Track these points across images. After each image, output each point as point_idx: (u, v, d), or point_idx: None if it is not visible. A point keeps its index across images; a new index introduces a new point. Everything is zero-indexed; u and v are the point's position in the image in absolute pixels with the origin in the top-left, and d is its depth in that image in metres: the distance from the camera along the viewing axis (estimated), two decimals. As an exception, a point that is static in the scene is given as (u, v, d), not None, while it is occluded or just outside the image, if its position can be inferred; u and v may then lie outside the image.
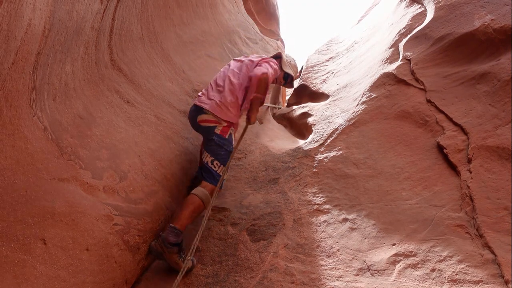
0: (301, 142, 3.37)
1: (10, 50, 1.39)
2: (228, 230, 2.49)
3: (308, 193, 2.57)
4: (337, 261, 2.00)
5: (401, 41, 3.29)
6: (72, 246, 1.72)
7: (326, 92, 4.04)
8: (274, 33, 9.09)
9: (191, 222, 2.38)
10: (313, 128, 3.37)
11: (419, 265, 1.80)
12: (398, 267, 1.83)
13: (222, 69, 2.90)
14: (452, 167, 2.21)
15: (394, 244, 1.96)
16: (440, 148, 2.33)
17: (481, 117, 2.29)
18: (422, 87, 2.74)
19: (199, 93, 2.80)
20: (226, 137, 2.59)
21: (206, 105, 2.59)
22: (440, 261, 1.77)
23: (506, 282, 1.55)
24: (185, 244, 2.34)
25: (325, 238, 2.18)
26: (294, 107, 4.29)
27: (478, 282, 1.61)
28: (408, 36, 3.21)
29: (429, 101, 2.62)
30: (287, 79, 3.15)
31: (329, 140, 2.93)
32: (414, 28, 3.26)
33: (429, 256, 1.82)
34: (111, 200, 2.06)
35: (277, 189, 2.74)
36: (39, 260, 1.56)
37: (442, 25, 2.93)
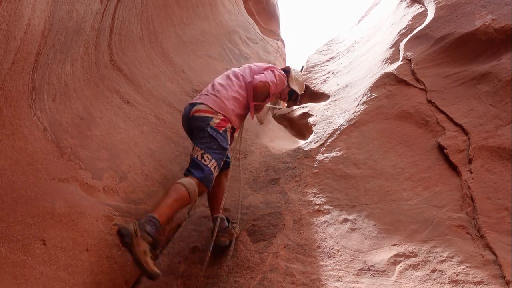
0: (301, 143, 3.36)
1: (9, 50, 1.39)
2: (228, 231, 2.48)
3: (308, 194, 2.56)
4: (337, 261, 1.99)
5: (401, 41, 3.29)
6: (72, 246, 1.71)
7: (326, 92, 4.04)
8: (274, 33, 9.09)
9: (172, 214, 1.99)
10: (313, 129, 3.37)
11: (419, 266, 1.79)
12: (398, 267, 1.83)
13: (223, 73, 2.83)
14: (453, 167, 2.20)
15: (394, 245, 1.96)
16: (441, 148, 2.32)
17: (482, 117, 2.29)
18: (422, 87, 2.74)
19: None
20: (221, 131, 2.32)
21: (200, 100, 2.42)
22: (441, 261, 1.76)
23: (507, 283, 1.55)
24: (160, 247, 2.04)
25: (325, 238, 2.17)
26: (295, 107, 4.29)
27: (479, 283, 1.61)
28: (409, 36, 3.21)
29: (429, 101, 2.62)
30: (292, 96, 2.96)
31: (329, 141, 2.92)
32: (415, 28, 3.26)
33: (429, 256, 1.81)
34: (111, 201, 2.05)
35: (277, 190, 2.73)
36: (39, 261, 1.56)
37: (442, 25, 2.93)
